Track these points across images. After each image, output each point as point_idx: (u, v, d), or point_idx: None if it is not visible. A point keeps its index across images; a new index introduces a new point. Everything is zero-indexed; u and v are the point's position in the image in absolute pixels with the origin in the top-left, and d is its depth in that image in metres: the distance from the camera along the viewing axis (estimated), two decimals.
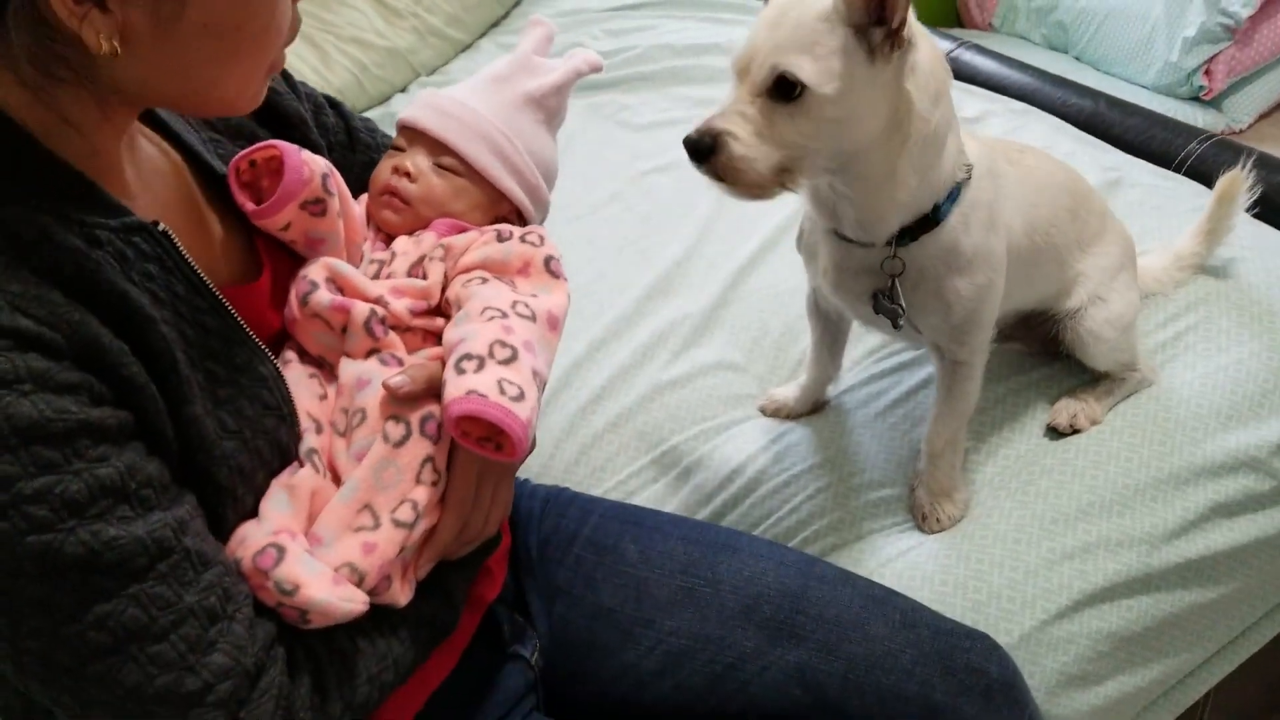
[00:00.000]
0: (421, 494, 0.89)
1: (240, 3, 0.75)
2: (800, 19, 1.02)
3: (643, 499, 1.37)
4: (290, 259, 0.99)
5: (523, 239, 1.01)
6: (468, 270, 0.99)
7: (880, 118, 1.06)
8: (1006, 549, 1.24)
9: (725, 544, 1.12)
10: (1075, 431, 1.36)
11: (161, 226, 0.80)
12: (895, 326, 1.21)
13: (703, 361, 1.51)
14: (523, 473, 1.29)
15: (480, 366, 0.87)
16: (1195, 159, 1.79)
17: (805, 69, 1.01)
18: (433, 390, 0.91)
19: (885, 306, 1.19)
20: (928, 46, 1.07)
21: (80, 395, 0.71)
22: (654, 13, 2.32)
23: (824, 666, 1.02)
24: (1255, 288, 1.49)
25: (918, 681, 1.01)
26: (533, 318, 0.94)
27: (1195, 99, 3.12)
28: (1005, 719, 1.01)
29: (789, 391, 1.45)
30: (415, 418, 0.90)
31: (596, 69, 1.14)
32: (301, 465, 0.89)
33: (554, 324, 0.97)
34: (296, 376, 0.93)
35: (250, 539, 0.84)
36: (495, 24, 2.52)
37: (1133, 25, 3.14)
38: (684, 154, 1.87)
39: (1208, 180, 1.72)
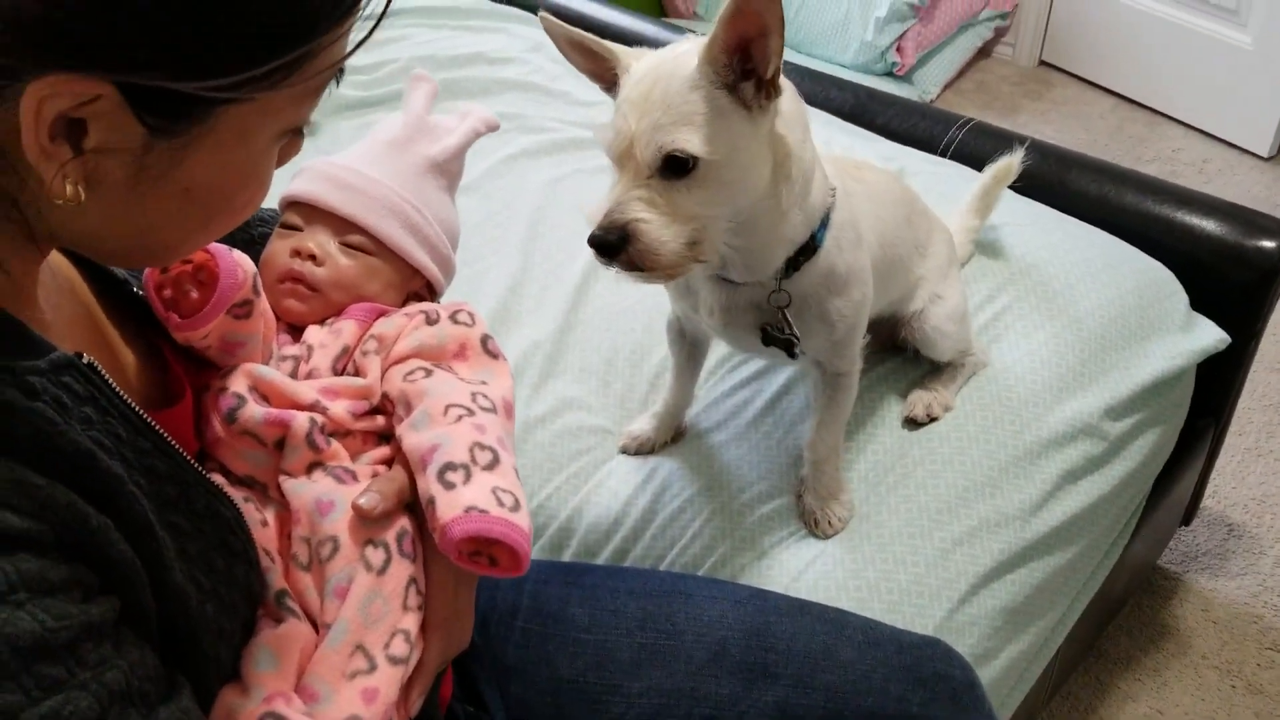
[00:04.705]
0: (411, 621, 0.83)
1: (235, 172, 0.67)
2: (668, 93, 1.00)
3: (537, 549, 1.32)
4: (193, 366, 0.87)
5: (453, 319, 0.95)
6: (402, 360, 0.92)
7: (767, 166, 1.07)
8: (905, 545, 1.30)
9: (674, 590, 1.10)
10: (932, 420, 1.43)
11: (86, 358, 0.69)
12: (792, 356, 1.23)
13: (564, 394, 1.47)
14: None
15: (468, 477, 0.81)
16: (958, 143, 1.92)
17: (693, 142, 1.00)
18: (403, 502, 0.85)
19: (778, 339, 1.20)
20: (785, 84, 1.08)
21: (73, 591, 0.61)
22: (401, 21, 2.21)
23: (803, 700, 1.03)
24: (1048, 264, 1.63)
25: (894, 699, 1.03)
26: (494, 409, 0.89)
27: (890, 74, 3.36)
28: (974, 718, 1.05)
29: (646, 424, 1.43)
30: (391, 538, 0.83)
31: (494, 128, 1.07)
32: (279, 617, 0.79)
33: (510, 411, 0.92)
34: None
35: (241, 711, 0.75)
36: None
37: (829, 8, 3.34)
38: (481, 172, 1.82)
39: (971, 162, 1.87)
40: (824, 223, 1.17)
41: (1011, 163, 1.64)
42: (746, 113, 1.02)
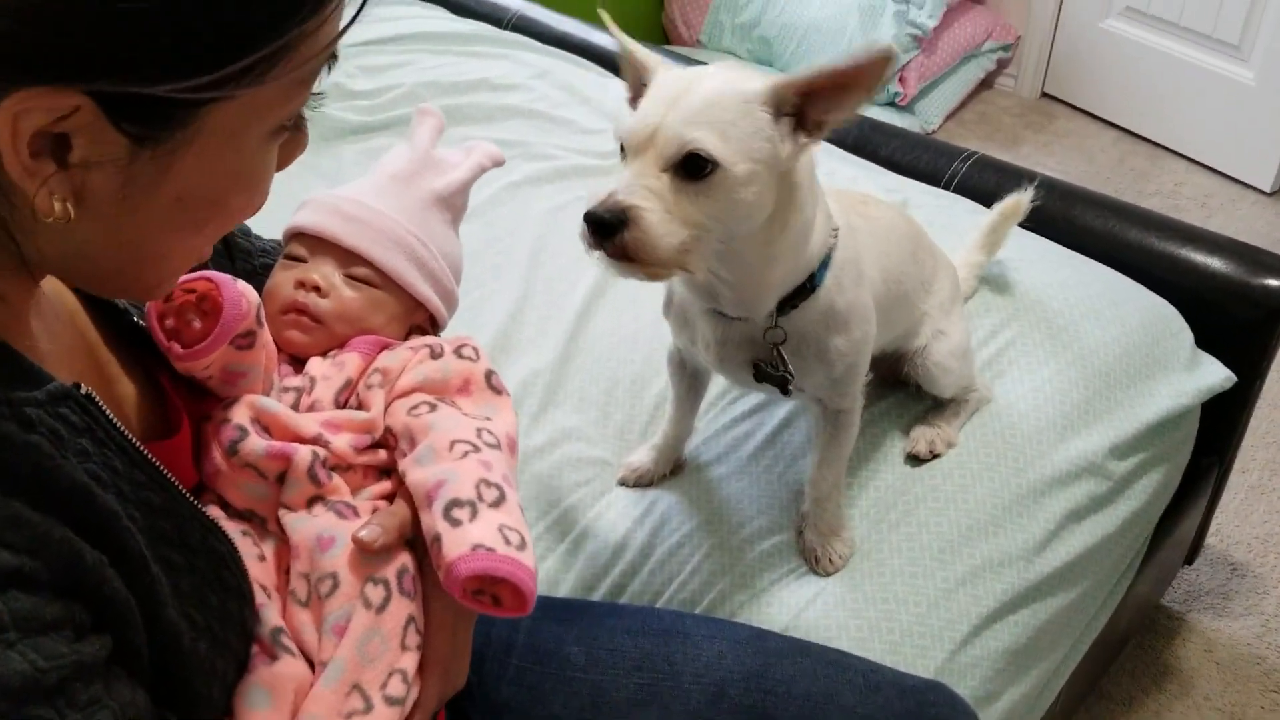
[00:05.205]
0: (409, 660, 0.81)
1: (227, 175, 0.65)
2: (715, 97, 1.00)
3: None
4: (193, 396, 0.86)
5: (458, 353, 0.94)
6: (406, 394, 0.91)
7: (772, 201, 1.06)
8: (907, 584, 1.28)
9: (672, 630, 1.08)
10: (935, 456, 1.42)
11: (84, 389, 0.68)
12: (785, 393, 1.21)
13: (564, 424, 1.45)
14: None
15: (474, 514, 0.80)
16: (961, 176, 1.91)
17: (719, 148, 0.98)
18: (405, 537, 0.83)
19: (772, 375, 1.19)
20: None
21: (65, 630, 0.60)
22: (407, 47, 2.21)
23: None
24: (1053, 300, 1.61)
25: None
26: (499, 445, 0.88)
27: (892, 105, 3.36)
28: None
29: (645, 456, 1.42)
30: (392, 575, 0.82)
31: (499, 163, 1.07)
32: (274, 654, 0.78)
33: (514, 448, 0.91)
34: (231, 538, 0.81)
35: None
36: None
37: (832, 39, 3.34)
38: (484, 199, 1.81)
39: (976, 195, 1.86)
40: (825, 262, 1.16)
41: (1021, 201, 1.63)
42: (778, 147, 1.02)
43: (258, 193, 0.69)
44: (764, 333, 1.17)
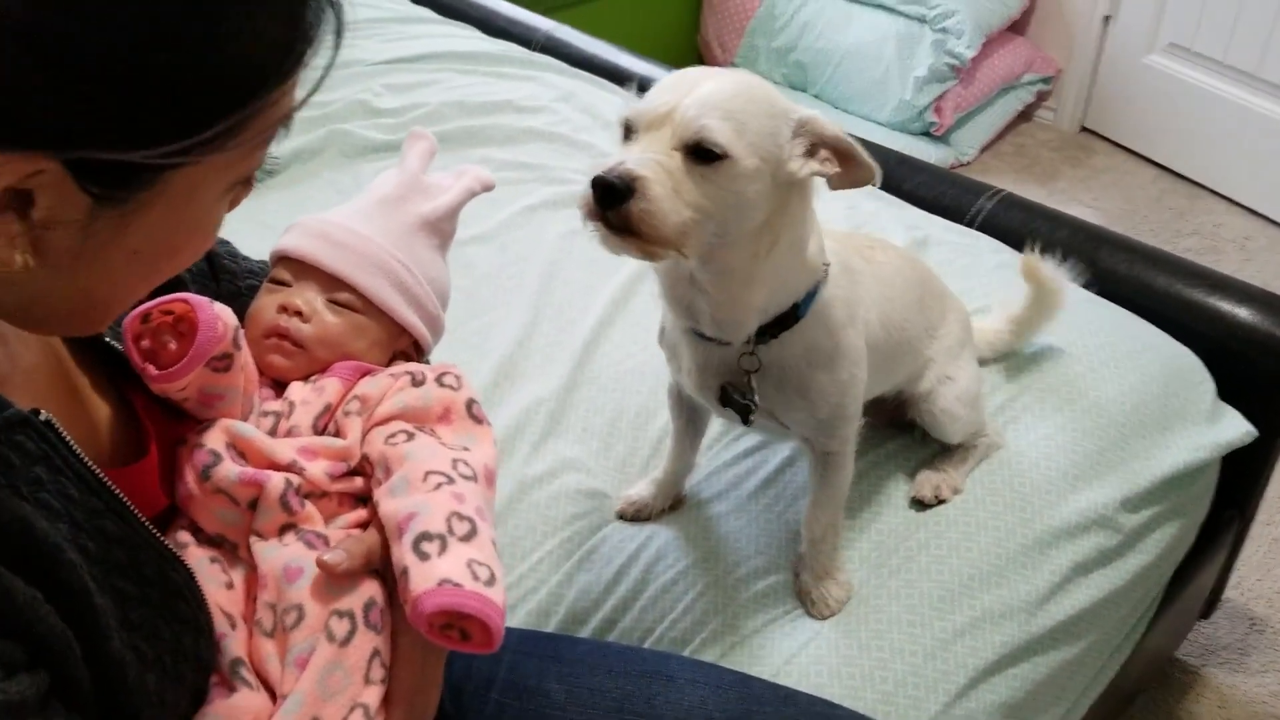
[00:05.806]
0: (372, 695, 0.80)
1: (183, 228, 0.66)
2: (745, 91, 1.02)
3: (524, 614, 1.29)
4: (170, 418, 0.86)
5: (439, 381, 0.93)
6: (384, 421, 0.90)
7: (764, 212, 1.05)
8: (903, 633, 1.26)
9: (656, 672, 1.07)
10: (940, 502, 1.39)
11: (44, 415, 0.67)
12: (745, 422, 1.20)
13: (565, 454, 1.44)
14: None
15: (443, 548, 0.79)
16: (986, 214, 1.89)
17: (733, 139, 0.99)
18: (370, 566, 0.82)
19: (736, 401, 1.18)
20: (819, 182, 1.09)
21: None
22: (434, 66, 2.21)
23: None
24: (1072, 345, 1.58)
25: None
26: (474, 477, 0.86)
27: (926, 134, 3.33)
28: None
29: (644, 490, 1.40)
30: (359, 607, 0.81)
31: (489, 188, 1.06)
32: (232, 686, 0.77)
33: (491, 479, 0.89)
34: (197, 564, 0.81)
35: None
36: None
37: (868, 66, 3.32)
38: (499, 221, 1.81)
39: (1001, 234, 1.83)
40: (810, 295, 1.14)
41: (1059, 296, 1.51)
42: (787, 158, 1.03)
43: (209, 240, 0.70)
44: (739, 358, 1.15)
